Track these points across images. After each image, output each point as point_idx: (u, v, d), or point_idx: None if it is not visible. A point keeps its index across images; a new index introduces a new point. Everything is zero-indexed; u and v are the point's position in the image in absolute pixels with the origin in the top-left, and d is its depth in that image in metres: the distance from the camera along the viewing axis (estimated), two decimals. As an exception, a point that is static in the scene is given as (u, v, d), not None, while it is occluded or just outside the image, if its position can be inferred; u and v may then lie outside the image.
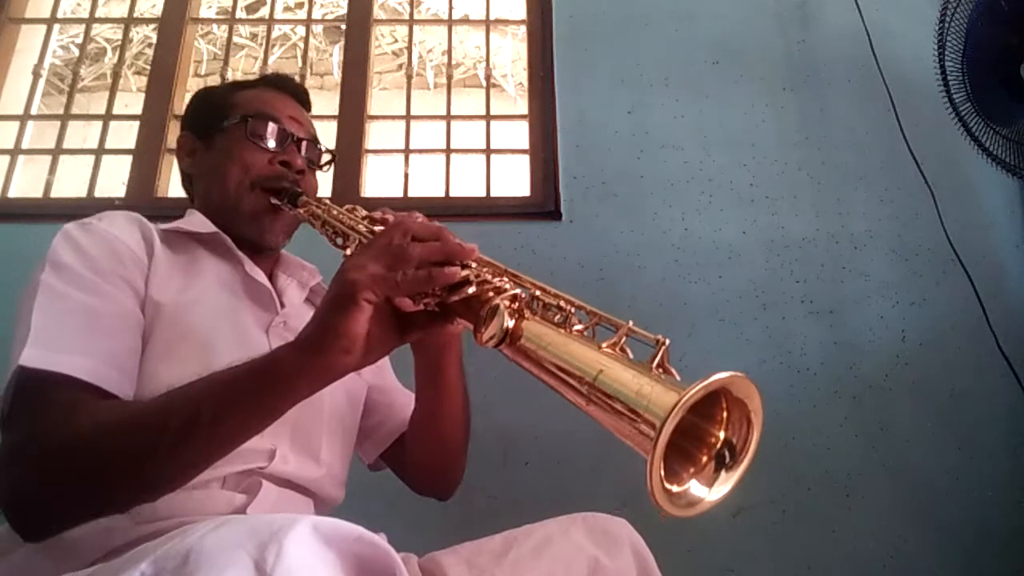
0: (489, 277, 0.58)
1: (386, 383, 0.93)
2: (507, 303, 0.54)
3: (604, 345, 0.50)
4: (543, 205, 1.66)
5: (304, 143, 0.87)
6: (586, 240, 1.62)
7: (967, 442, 1.49)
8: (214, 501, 0.65)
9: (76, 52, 2.74)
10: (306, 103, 0.94)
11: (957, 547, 1.43)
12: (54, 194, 1.72)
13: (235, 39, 2.73)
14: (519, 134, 1.82)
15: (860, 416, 1.51)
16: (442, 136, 1.81)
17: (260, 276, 0.81)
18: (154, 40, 1.89)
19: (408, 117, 1.83)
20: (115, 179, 1.84)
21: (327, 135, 1.73)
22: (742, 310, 1.58)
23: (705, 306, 1.58)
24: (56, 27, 1.91)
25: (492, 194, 1.74)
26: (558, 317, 0.55)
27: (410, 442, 0.87)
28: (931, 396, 1.52)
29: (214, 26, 3.23)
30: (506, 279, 0.59)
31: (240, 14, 2.60)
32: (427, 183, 1.85)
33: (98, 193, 1.73)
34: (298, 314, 0.82)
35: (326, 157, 0.92)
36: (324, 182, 1.67)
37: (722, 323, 1.57)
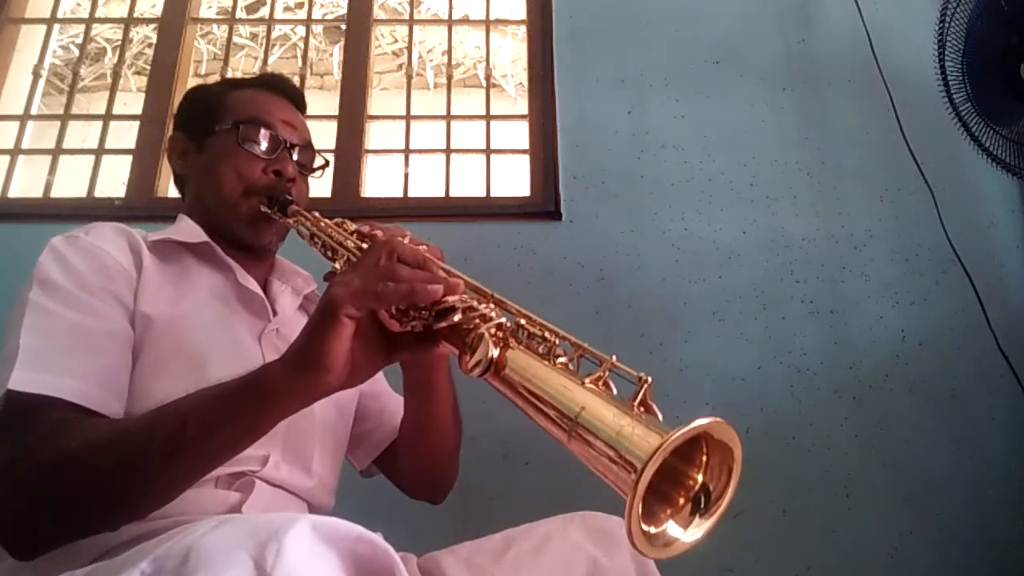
0: (475, 304, 0.58)
1: (377, 389, 0.93)
2: (492, 331, 0.54)
3: (587, 380, 0.50)
4: (543, 205, 1.66)
5: (297, 149, 0.86)
6: (586, 240, 1.62)
7: (967, 442, 1.49)
8: (208, 499, 0.65)
9: (76, 52, 2.74)
10: (301, 105, 0.92)
11: (957, 547, 1.43)
12: (54, 194, 1.72)
13: (235, 39, 2.74)
14: (519, 134, 1.82)
15: (860, 416, 1.51)
16: (442, 136, 1.81)
17: (252, 284, 0.80)
18: (154, 40, 1.89)
19: (408, 117, 1.83)
20: (115, 179, 1.84)
21: (327, 135, 1.73)
22: (742, 310, 1.58)
23: (705, 306, 1.58)
24: (56, 27, 1.91)
25: (492, 194, 1.74)
26: (542, 348, 0.55)
27: (401, 449, 0.87)
28: (931, 396, 1.52)
29: (214, 26, 3.23)
30: (492, 306, 0.59)
31: (240, 14, 2.60)
32: (427, 183, 1.85)
33: (98, 193, 1.73)
34: (291, 322, 0.82)
35: (319, 162, 0.91)
36: (324, 182, 1.67)
37: (722, 323, 1.57)
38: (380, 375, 0.93)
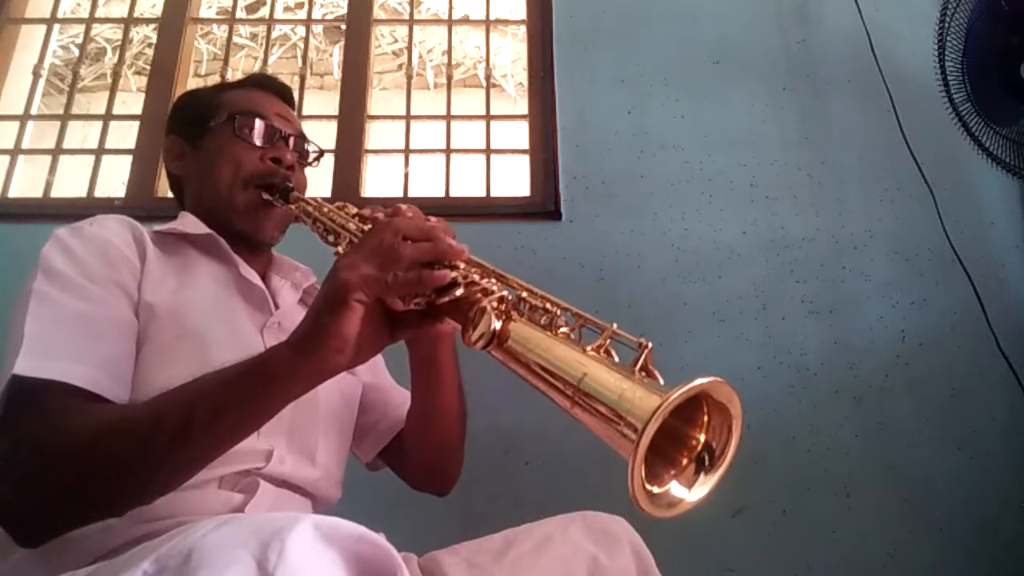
0: (477, 278, 0.58)
1: (381, 381, 0.93)
2: (494, 305, 0.54)
3: (589, 348, 0.51)
4: (543, 205, 1.66)
5: (292, 139, 0.87)
6: (586, 240, 1.62)
7: (967, 442, 1.49)
8: (211, 500, 0.65)
9: (76, 52, 2.74)
10: (291, 101, 0.94)
11: (957, 547, 1.43)
12: (54, 194, 1.72)
13: (235, 39, 2.73)
14: (519, 134, 1.82)
15: (860, 416, 1.51)
16: (442, 136, 1.81)
17: (254, 277, 0.81)
18: (154, 40, 1.89)
19: (408, 117, 1.83)
20: (115, 179, 1.84)
21: (327, 135, 1.73)
22: (742, 310, 1.58)
23: (705, 306, 1.58)
24: (56, 27, 1.91)
25: (492, 194, 1.74)
26: (544, 319, 0.56)
27: (407, 438, 0.87)
28: (931, 396, 1.53)
29: (214, 26, 3.23)
30: (494, 280, 0.59)
31: (240, 14, 2.60)
32: (427, 183, 1.85)
33: (98, 193, 1.73)
34: (292, 315, 0.81)
35: (315, 153, 0.92)
36: (324, 182, 1.68)
37: (722, 323, 1.56)
38: (384, 369, 0.95)
